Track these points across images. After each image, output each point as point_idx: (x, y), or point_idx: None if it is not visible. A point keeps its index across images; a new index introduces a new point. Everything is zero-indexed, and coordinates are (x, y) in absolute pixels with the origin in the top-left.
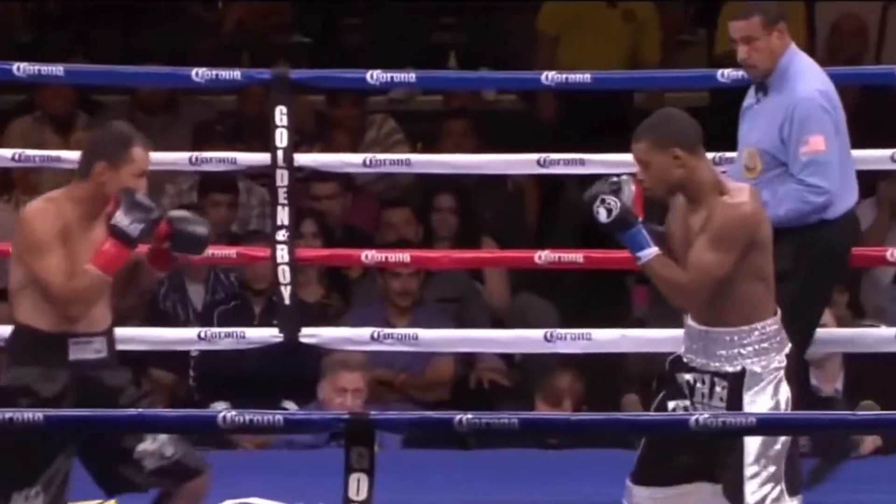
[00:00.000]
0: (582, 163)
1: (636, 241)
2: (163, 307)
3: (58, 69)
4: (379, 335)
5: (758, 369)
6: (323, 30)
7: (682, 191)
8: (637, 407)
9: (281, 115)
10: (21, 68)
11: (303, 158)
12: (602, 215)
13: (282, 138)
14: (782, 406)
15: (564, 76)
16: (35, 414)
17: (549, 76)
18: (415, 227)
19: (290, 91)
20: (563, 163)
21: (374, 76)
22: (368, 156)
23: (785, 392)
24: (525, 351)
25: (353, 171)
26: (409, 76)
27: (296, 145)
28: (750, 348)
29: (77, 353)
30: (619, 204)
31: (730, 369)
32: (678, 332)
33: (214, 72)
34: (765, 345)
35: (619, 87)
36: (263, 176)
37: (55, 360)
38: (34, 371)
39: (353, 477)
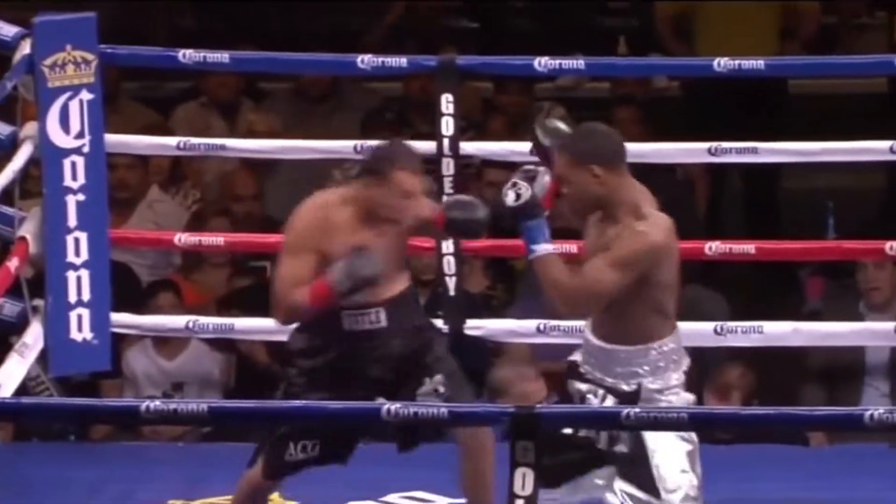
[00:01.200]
0: (755, 151)
1: (534, 233)
2: None
3: (223, 56)
4: (545, 327)
5: (654, 387)
6: (490, 15)
7: (600, 208)
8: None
9: (447, 102)
10: (187, 55)
11: (469, 147)
12: (510, 198)
13: (448, 126)
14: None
15: (737, 63)
16: (199, 405)
17: (722, 62)
18: None
19: (457, 78)
20: (734, 151)
21: (542, 63)
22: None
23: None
24: (695, 344)
25: (520, 160)
26: (578, 63)
27: (462, 132)
28: (647, 367)
29: (351, 324)
30: (529, 192)
31: (625, 388)
32: (853, 326)
33: (380, 59)
34: (661, 363)
35: (792, 74)
36: (430, 164)
37: (328, 331)
38: (303, 339)
39: (519, 472)
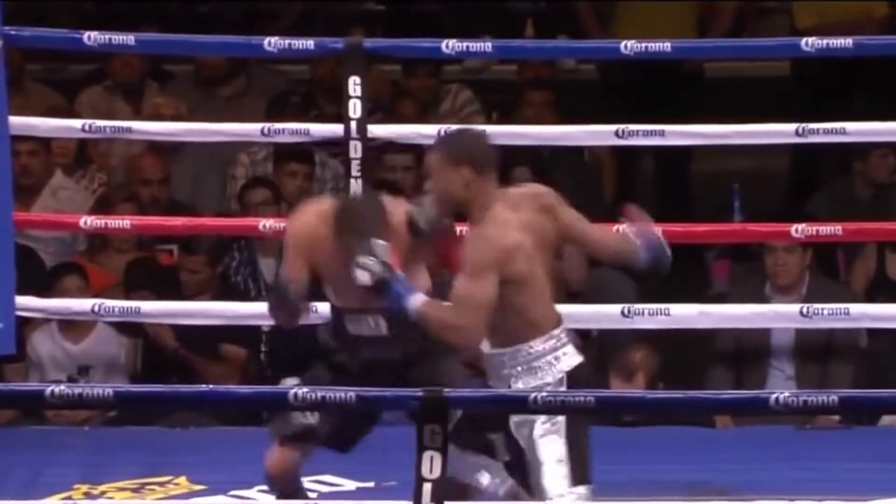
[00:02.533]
0: (662, 134)
1: (400, 296)
2: (234, 281)
3: (129, 38)
4: None
5: (527, 388)
6: None
7: (462, 209)
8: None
9: (354, 85)
10: (91, 37)
11: (376, 129)
12: (364, 278)
13: (355, 109)
14: (558, 420)
15: (644, 45)
16: (105, 389)
17: (628, 45)
18: None
19: (364, 61)
20: (641, 134)
21: (450, 45)
22: (443, 126)
23: None
24: (602, 326)
25: (428, 143)
26: (486, 45)
27: (370, 115)
28: (519, 368)
29: (355, 328)
30: (377, 263)
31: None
32: (759, 308)
33: (287, 41)
34: (534, 364)
35: (699, 56)
36: (336, 146)
37: (340, 332)
38: (327, 337)
39: (427, 455)
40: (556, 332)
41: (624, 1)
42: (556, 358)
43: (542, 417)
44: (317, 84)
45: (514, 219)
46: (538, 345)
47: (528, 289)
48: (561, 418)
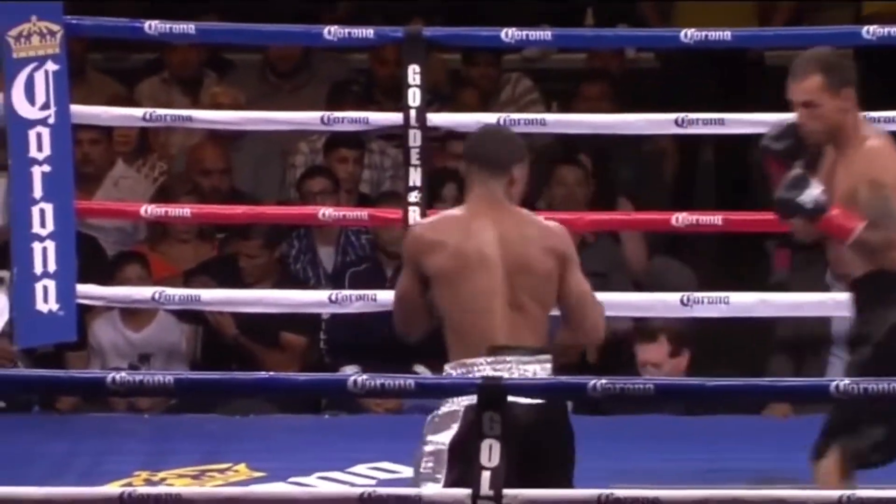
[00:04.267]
0: (721, 122)
1: None
2: (293, 269)
3: (189, 27)
4: None
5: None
6: None
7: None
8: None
9: (414, 73)
10: (153, 26)
11: (436, 118)
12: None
13: (414, 98)
14: (439, 461)
15: (704, 34)
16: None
17: (689, 34)
18: (585, 188)
19: (424, 49)
20: (701, 122)
21: (509, 34)
22: (503, 115)
23: (449, 435)
24: (662, 315)
25: None
26: (545, 34)
27: (429, 104)
28: None
29: None
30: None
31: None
32: (820, 297)
33: (347, 30)
34: None
35: (758, 45)
36: (397, 137)
37: None
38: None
39: (486, 443)
40: (472, 360)
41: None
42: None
43: (425, 458)
44: (377, 75)
45: (446, 215)
46: (449, 367)
47: (449, 295)
48: (443, 460)
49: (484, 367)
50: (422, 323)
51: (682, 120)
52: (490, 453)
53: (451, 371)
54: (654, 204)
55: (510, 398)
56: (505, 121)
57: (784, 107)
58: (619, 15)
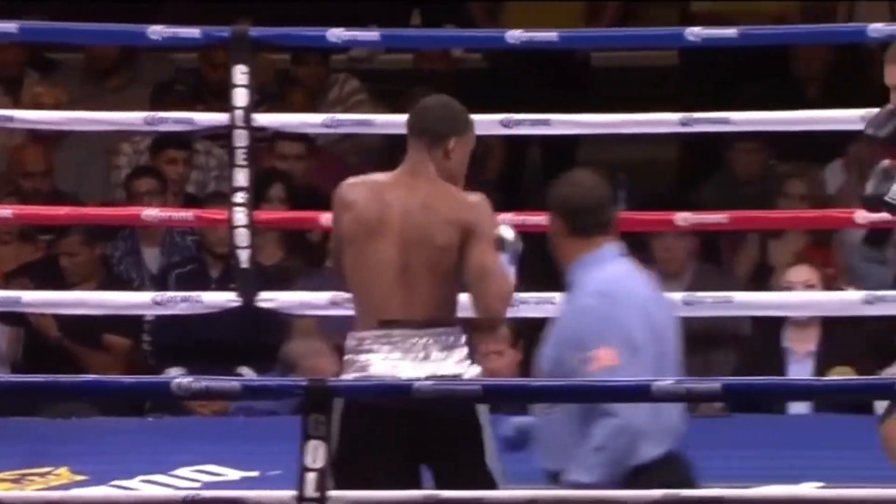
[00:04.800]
0: (548, 123)
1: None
2: (117, 270)
3: (11, 26)
4: (339, 299)
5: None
6: None
7: None
8: None
9: (240, 73)
10: None
11: (262, 119)
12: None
13: (241, 98)
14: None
15: (530, 35)
16: None
17: (515, 35)
18: None
19: (250, 49)
20: (527, 123)
21: (336, 34)
22: (329, 116)
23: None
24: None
25: (314, 132)
26: (372, 34)
27: (257, 105)
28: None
29: None
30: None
31: None
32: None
33: (172, 30)
34: (348, 357)
35: (585, 46)
36: (223, 137)
37: None
38: None
39: (311, 444)
40: (361, 334)
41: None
42: (352, 362)
43: None
44: (204, 75)
45: (370, 177)
46: (348, 338)
47: (351, 260)
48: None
49: (370, 341)
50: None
51: (509, 121)
52: (315, 455)
53: (349, 341)
54: None
55: (386, 374)
56: (332, 121)
57: (610, 107)
58: (446, 15)
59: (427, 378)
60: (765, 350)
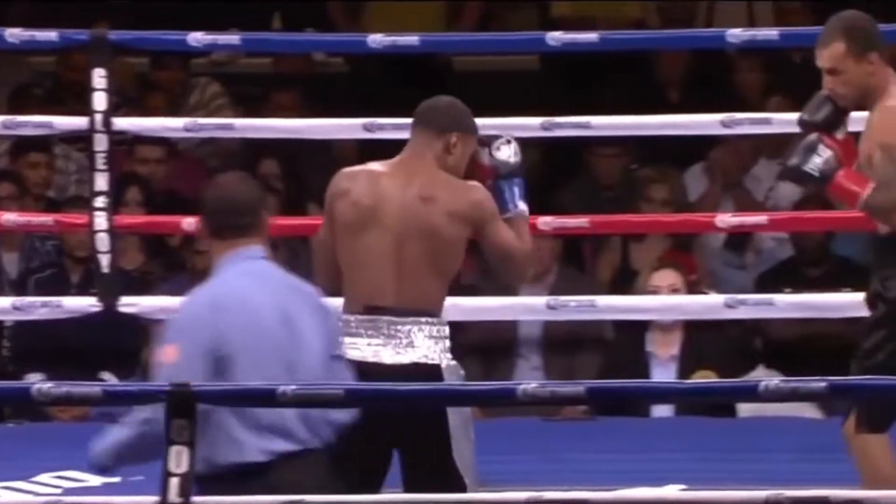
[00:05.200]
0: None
1: (519, 191)
2: None
3: None
4: None
5: None
6: None
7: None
8: None
9: (99, 77)
10: None
11: (122, 122)
12: (505, 153)
13: (100, 101)
14: None
15: (392, 39)
16: None
17: (377, 39)
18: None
19: (110, 53)
20: (390, 127)
21: (197, 38)
22: (190, 120)
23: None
24: None
25: (175, 136)
26: (233, 38)
27: (116, 108)
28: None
29: None
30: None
31: None
32: (509, 301)
33: (29, 32)
34: (340, 337)
35: (446, 50)
36: (82, 140)
37: None
38: None
39: (174, 449)
40: (347, 317)
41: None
42: (354, 337)
43: None
44: (63, 78)
45: (363, 167)
46: (342, 316)
47: (345, 246)
48: None
49: (355, 325)
50: (330, 273)
51: (372, 125)
52: (179, 460)
53: (340, 322)
54: None
55: (368, 358)
56: (192, 125)
57: (472, 111)
58: (307, 18)
59: (402, 365)
60: (628, 354)
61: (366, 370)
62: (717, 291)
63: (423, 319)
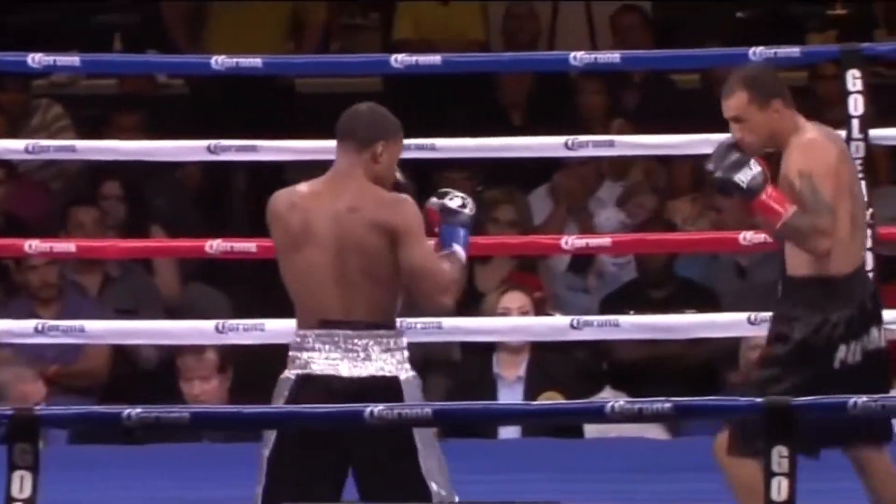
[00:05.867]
0: (255, 149)
1: (460, 237)
2: None
3: None
4: (44, 327)
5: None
6: None
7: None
8: None
9: None
10: None
11: None
12: (455, 202)
13: None
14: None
15: (235, 60)
16: None
17: (220, 60)
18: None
19: None
20: (234, 149)
21: (36, 59)
22: (31, 142)
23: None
24: (196, 342)
25: (15, 158)
26: (73, 59)
27: None
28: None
29: None
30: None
31: None
32: None
33: None
34: (290, 353)
35: (289, 72)
36: None
37: None
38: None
39: (17, 475)
40: (304, 332)
41: (215, 15)
42: (294, 359)
43: None
44: None
45: (302, 187)
46: (297, 333)
47: (286, 269)
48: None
49: (312, 339)
50: None
51: (215, 146)
52: (22, 485)
53: (293, 339)
54: (187, 231)
55: (326, 372)
56: (34, 147)
57: (317, 133)
58: (148, 40)
59: (360, 378)
60: (475, 375)
61: (324, 384)
62: (562, 314)
63: (380, 332)
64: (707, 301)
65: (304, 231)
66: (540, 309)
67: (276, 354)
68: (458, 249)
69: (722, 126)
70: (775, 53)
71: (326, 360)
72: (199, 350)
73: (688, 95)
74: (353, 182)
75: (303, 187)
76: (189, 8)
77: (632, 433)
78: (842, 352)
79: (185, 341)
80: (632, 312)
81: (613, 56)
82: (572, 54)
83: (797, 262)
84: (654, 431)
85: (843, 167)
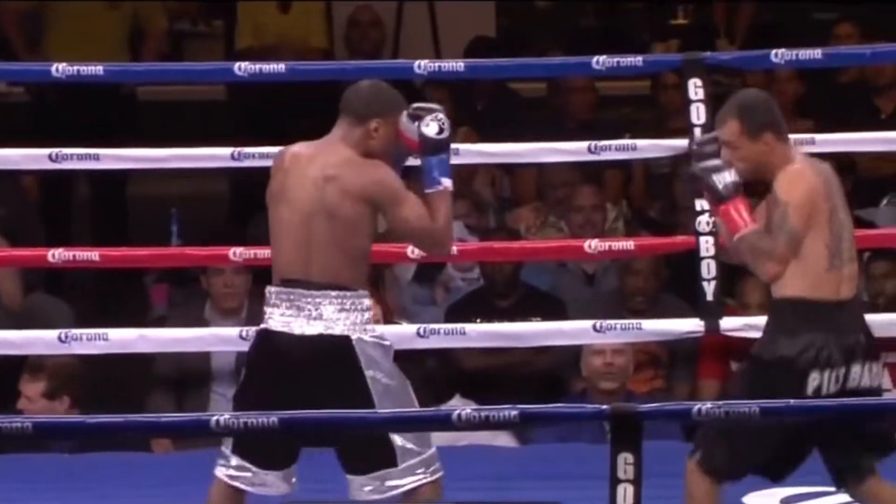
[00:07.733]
0: (97, 157)
1: (444, 166)
2: None
3: None
4: None
5: None
6: None
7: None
8: None
9: None
10: None
11: None
12: (433, 129)
13: None
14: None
15: (76, 68)
16: None
17: (60, 68)
18: None
19: None
20: (76, 157)
21: None
22: None
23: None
24: (39, 352)
25: None
26: None
27: None
28: None
29: None
30: (449, 128)
31: None
32: (199, 332)
33: None
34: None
35: (131, 80)
36: None
37: None
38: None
39: None
40: (270, 288)
41: (54, 22)
42: (262, 313)
43: None
44: None
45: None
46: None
47: (269, 221)
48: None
49: (274, 296)
50: None
51: (57, 155)
52: None
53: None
54: (29, 240)
55: (279, 329)
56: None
57: (159, 142)
58: None
59: (309, 336)
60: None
61: (275, 339)
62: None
63: (334, 293)
64: (553, 309)
65: (281, 191)
66: (387, 317)
67: (120, 365)
68: (447, 183)
69: (565, 135)
70: (618, 63)
71: (282, 316)
72: (34, 371)
73: (532, 104)
74: (337, 151)
75: (296, 148)
76: (27, 15)
77: (482, 441)
78: (814, 379)
79: (29, 351)
80: (478, 321)
81: (458, 65)
82: (417, 62)
83: (778, 283)
84: (504, 439)
85: (822, 201)
